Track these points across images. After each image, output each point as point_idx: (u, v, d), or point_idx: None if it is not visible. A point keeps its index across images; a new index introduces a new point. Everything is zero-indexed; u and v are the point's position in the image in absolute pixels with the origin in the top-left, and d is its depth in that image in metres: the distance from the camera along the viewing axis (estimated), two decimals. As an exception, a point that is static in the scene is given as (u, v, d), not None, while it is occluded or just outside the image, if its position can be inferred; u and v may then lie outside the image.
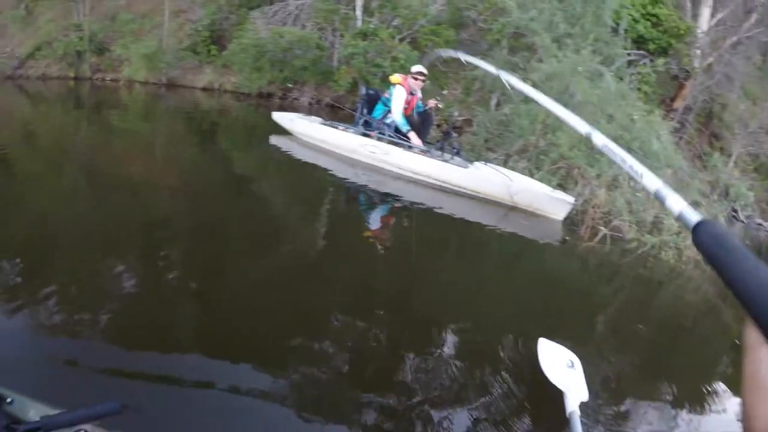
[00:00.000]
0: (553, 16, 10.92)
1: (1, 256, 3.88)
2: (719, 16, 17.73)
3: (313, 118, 8.82)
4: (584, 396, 2.53)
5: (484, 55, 11.95)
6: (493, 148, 9.01)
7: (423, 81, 7.40)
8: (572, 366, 2.74)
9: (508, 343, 3.31)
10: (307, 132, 8.42)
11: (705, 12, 17.98)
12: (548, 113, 8.50)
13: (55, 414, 1.53)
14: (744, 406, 0.49)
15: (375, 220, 6.01)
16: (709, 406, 3.21)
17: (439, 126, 8.22)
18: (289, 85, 13.30)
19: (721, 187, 12.89)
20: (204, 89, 14.54)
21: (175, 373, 2.66)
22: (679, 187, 8.69)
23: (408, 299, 3.84)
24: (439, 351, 3.23)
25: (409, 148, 7.19)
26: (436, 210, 6.22)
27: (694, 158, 15.90)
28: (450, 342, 3.38)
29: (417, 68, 7.40)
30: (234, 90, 13.94)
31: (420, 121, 7.55)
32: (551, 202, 6.40)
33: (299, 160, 7.95)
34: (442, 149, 7.09)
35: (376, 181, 6.96)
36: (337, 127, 8.02)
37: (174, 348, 2.94)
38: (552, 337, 3.03)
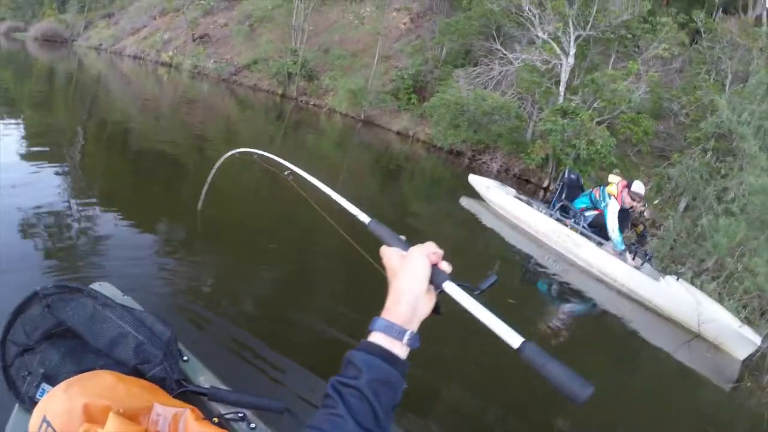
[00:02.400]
0: (764, 121, 10.45)
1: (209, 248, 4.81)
2: None
3: (509, 189, 8.94)
4: None
5: (679, 152, 11.84)
6: (681, 260, 8.63)
7: (638, 204, 7.16)
8: None
9: None
10: (500, 202, 8.52)
11: None
12: (747, 234, 8.31)
13: (223, 389, 1.68)
14: None
15: (544, 306, 6.01)
16: None
17: (633, 226, 7.82)
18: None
19: None
20: (398, 133, 15.85)
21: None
22: None
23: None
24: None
25: (600, 245, 6.96)
26: (611, 313, 6.03)
27: None
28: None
29: (637, 187, 7.11)
30: (426, 141, 14.94)
31: (618, 220, 7.26)
32: (738, 340, 5.76)
33: (485, 225, 8.19)
34: (635, 253, 6.78)
35: (561, 270, 6.87)
36: (531, 205, 8.07)
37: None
38: None
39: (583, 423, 3.58)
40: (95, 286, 1.96)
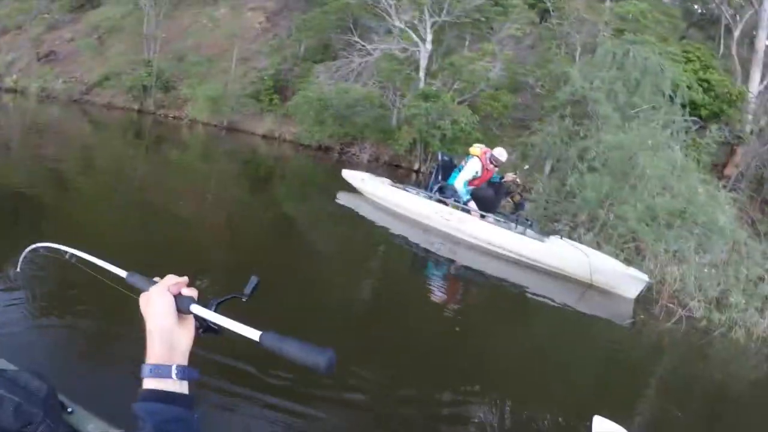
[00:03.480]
0: (612, 85, 11.13)
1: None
2: None
3: (384, 179, 8.84)
4: None
5: (539, 121, 12.22)
6: (556, 218, 9.07)
7: (497, 167, 7.42)
8: None
9: (561, 416, 3.29)
10: (378, 193, 8.40)
11: (755, 75, 17.71)
12: (612, 186, 8.68)
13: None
14: None
15: (441, 286, 5.94)
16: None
17: (509, 195, 7.99)
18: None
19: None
20: (263, 136, 15.16)
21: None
22: (740, 259, 8.56)
23: (461, 363, 3.86)
24: (487, 416, 3.26)
25: (483, 217, 7.09)
26: (506, 282, 6.13)
27: (744, 225, 15.44)
28: (500, 410, 3.38)
29: (498, 152, 7.38)
30: (293, 140, 14.43)
31: (493, 192, 7.49)
32: (627, 280, 6.22)
33: (366, 218, 8.02)
34: (516, 221, 6.98)
35: (448, 249, 6.88)
36: (409, 191, 7.98)
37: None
38: (610, 415, 2.99)
39: (499, 385, 3.64)
40: None
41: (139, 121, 17.40)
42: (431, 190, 7.72)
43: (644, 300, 6.28)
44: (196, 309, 0.83)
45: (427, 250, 6.91)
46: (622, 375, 4.55)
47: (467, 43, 14.70)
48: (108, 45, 21.93)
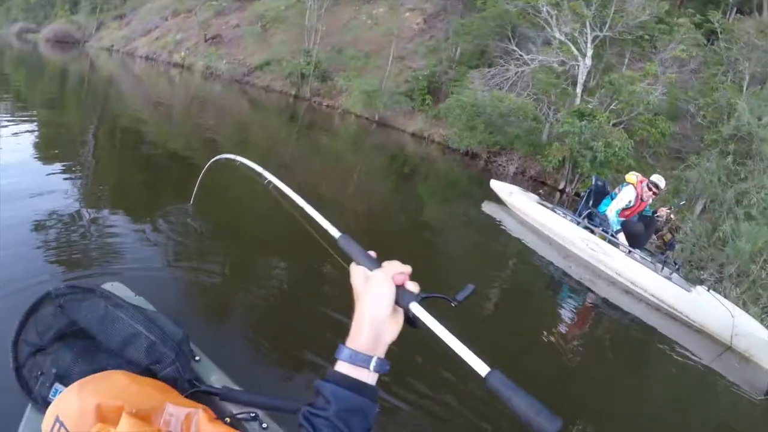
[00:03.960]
0: None
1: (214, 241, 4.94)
2: None
3: (531, 195, 8.82)
4: None
5: (696, 154, 11.79)
6: (701, 265, 8.56)
7: (655, 194, 7.12)
8: None
9: None
10: (524, 208, 8.40)
11: None
12: None
13: (235, 389, 1.69)
14: None
15: (569, 314, 5.83)
16: None
17: (658, 232, 7.63)
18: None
19: None
20: (412, 135, 15.85)
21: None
22: None
23: (571, 393, 3.93)
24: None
25: (630, 252, 6.79)
26: (640, 324, 5.87)
27: None
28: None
29: (657, 179, 7.08)
30: (441, 142, 14.88)
31: (644, 226, 7.19)
32: None
33: (507, 231, 8.03)
34: (664, 262, 6.62)
35: (587, 279, 6.67)
36: (557, 212, 7.88)
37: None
38: None
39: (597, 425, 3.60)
40: (107, 286, 1.98)
41: (294, 105, 18.87)
42: (580, 215, 7.59)
43: None
44: (416, 308, 0.83)
45: (564, 275, 6.74)
46: None
47: (626, 61, 14.41)
48: (270, 33, 23.87)
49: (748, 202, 9.41)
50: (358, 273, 0.88)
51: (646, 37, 14.20)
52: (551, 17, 13.77)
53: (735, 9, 16.13)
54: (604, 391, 4.22)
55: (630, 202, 7.05)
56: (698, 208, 11.54)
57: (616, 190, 7.37)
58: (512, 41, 14.92)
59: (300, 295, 4.33)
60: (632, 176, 7.20)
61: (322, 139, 13.95)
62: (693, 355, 5.54)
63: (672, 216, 7.37)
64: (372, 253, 0.93)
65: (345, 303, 0.90)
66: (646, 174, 7.67)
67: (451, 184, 11.92)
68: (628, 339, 5.56)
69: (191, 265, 4.30)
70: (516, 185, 9.48)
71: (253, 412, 1.60)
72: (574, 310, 5.95)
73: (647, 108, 12.48)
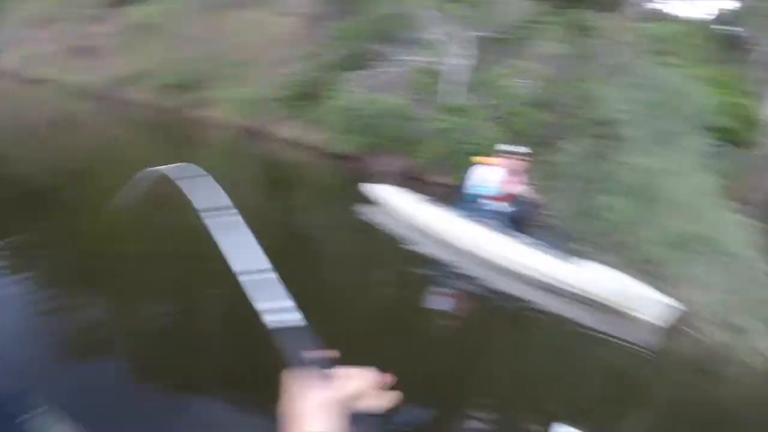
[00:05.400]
0: (642, 107, 11.19)
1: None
2: None
3: (411, 194, 8.57)
4: None
5: (564, 140, 12.17)
6: (577, 238, 8.86)
7: (522, 161, 7.31)
8: None
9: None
10: (404, 209, 8.16)
11: None
12: (637, 209, 8.60)
13: None
14: None
15: (463, 306, 5.96)
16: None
17: (534, 214, 8.14)
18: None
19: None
20: (290, 141, 15.08)
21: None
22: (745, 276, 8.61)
23: (451, 373, 4.01)
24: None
25: (514, 238, 7.01)
26: (532, 304, 6.12)
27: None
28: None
29: (509, 147, 7.43)
30: (320, 147, 14.33)
31: (524, 210, 7.44)
32: (652, 304, 6.33)
33: (390, 234, 7.71)
34: (548, 243, 7.02)
35: (476, 269, 6.73)
36: (439, 208, 7.78)
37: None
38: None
39: (525, 408, 3.72)
40: None
41: (167, 117, 17.61)
42: (462, 208, 7.51)
43: (671, 327, 6.42)
44: None
45: (452, 270, 6.71)
46: (625, 394, 4.74)
47: (502, 58, 14.68)
48: (143, 42, 22.30)
49: (616, 180, 9.84)
50: (302, 390, 0.64)
51: (521, 35, 14.58)
52: (428, 19, 13.74)
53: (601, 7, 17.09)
54: (507, 371, 4.37)
55: (486, 176, 7.24)
56: (569, 188, 11.99)
57: (480, 173, 7.45)
58: (389, 43, 14.74)
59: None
60: (483, 159, 7.52)
61: (198, 150, 13.17)
62: (586, 321, 6.01)
63: (543, 198, 7.88)
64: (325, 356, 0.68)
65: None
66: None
67: (331, 189, 11.58)
68: (526, 320, 5.77)
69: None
70: (395, 185, 9.27)
71: None
72: (466, 301, 6.06)
73: (520, 102, 12.72)
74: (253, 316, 0.82)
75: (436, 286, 6.45)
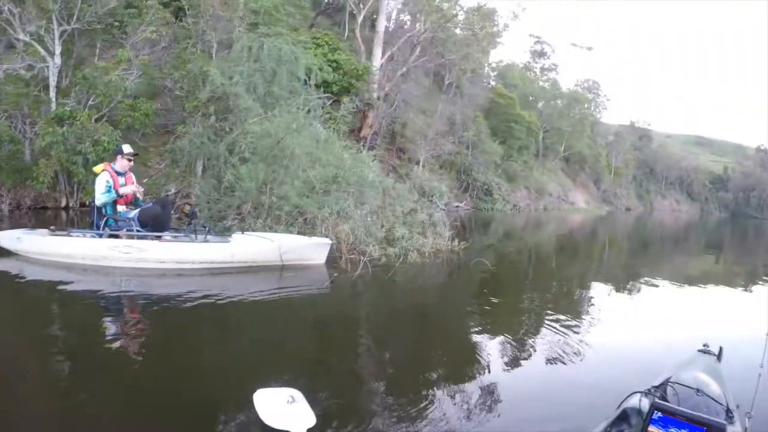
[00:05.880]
0: (251, 78, 11.94)
1: None
2: (390, 53, 21.76)
3: (42, 230, 7.33)
4: (311, 421, 2.71)
5: (182, 124, 12.71)
6: (222, 215, 9.60)
7: (130, 160, 7.08)
8: (293, 401, 2.88)
9: (228, 401, 3.24)
10: (40, 249, 7.08)
11: (377, 52, 21.79)
12: (267, 171, 9.46)
13: None
14: None
15: (134, 324, 5.18)
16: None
17: (177, 208, 8.45)
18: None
19: (418, 188, 15.78)
20: None
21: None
22: (393, 201, 10.91)
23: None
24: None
25: (159, 238, 6.88)
26: (201, 293, 5.85)
27: (389, 172, 19.38)
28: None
29: (128, 148, 7.11)
30: None
31: (160, 207, 7.12)
32: (314, 250, 7.30)
33: (33, 281, 6.33)
34: (195, 231, 7.02)
35: (138, 284, 6.25)
36: (75, 235, 7.07)
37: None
38: (286, 377, 3.31)
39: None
40: None
41: None
42: (98, 227, 6.95)
43: (331, 261, 7.53)
44: None
45: (111, 293, 5.98)
46: (315, 332, 5.12)
47: (98, 51, 14.02)
48: None
49: (239, 150, 10.50)
50: None
51: (116, 23, 14.00)
52: (14, 16, 12.09)
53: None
54: (205, 365, 4.03)
55: (108, 182, 6.82)
56: (199, 169, 12.44)
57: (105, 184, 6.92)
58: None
59: None
60: (99, 167, 7.03)
61: None
62: (260, 287, 6.31)
63: (138, 195, 7.12)
64: None
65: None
66: (142, 156, 7.60)
67: None
68: (199, 311, 5.33)
69: None
70: (12, 222, 8.12)
71: None
72: (139, 318, 5.31)
73: (125, 94, 12.46)
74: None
75: (105, 316, 5.36)
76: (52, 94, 12.25)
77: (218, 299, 5.70)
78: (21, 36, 12.38)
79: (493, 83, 38.29)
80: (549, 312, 6.24)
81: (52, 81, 12.35)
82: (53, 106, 12.04)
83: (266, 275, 6.88)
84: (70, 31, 12.90)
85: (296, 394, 2.96)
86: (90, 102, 12.09)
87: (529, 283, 9.03)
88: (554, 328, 5.40)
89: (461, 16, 24.98)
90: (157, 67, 13.74)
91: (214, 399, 3.32)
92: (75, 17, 12.66)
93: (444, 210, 14.27)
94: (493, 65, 41.53)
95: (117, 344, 4.39)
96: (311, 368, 3.98)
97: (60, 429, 3.03)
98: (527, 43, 57.42)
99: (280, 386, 3.04)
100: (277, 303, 5.81)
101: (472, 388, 3.69)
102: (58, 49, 12.53)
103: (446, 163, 26.00)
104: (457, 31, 25.71)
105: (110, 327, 5.00)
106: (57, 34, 12.52)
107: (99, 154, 10.86)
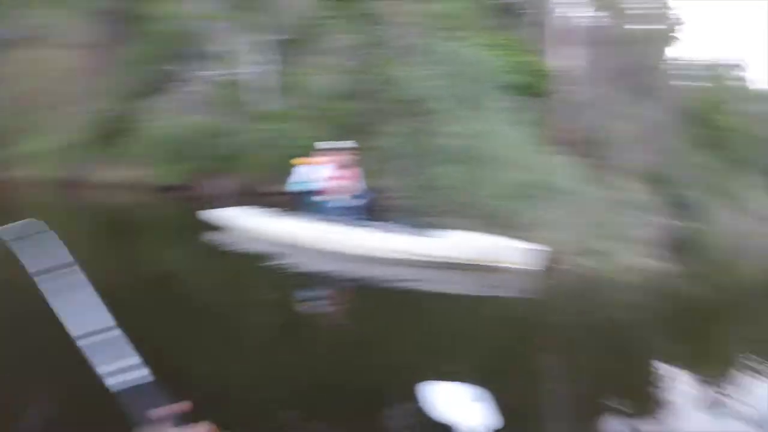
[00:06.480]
0: (445, 81, 12.12)
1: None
2: (581, 52, 20.54)
3: (254, 209, 8.45)
4: (495, 423, 2.71)
5: (383, 124, 12.94)
6: (427, 212, 9.36)
7: (349, 155, 7.52)
8: (478, 399, 2.88)
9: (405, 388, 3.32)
10: (254, 227, 8.04)
11: (557, 52, 20.67)
12: (471, 173, 9.42)
13: None
14: None
15: (348, 302, 5.93)
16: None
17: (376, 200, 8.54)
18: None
19: (622, 199, 14.52)
20: (111, 184, 14.14)
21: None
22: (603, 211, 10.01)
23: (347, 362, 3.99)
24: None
25: (369, 227, 7.17)
26: (402, 284, 6.12)
27: (591, 180, 17.96)
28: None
29: (332, 144, 7.69)
30: (143, 184, 13.61)
31: (369, 198, 7.65)
32: (520, 254, 6.83)
33: (249, 254, 7.46)
34: (399, 225, 7.21)
35: (342, 268, 6.76)
36: (286, 217, 7.78)
37: None
38: (471, 375, 3.23)
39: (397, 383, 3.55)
40: None
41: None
42: (307, 211, 7.60)
43: (538, 268, 6.92)
44: None
45: (318, 272, 6.71)
46: (518, 341, 4.93)
47: (302, 56, 15.08)
48: None
49: (444, 151, 10.62)
50: None
51: (316, 33, 15.03)
52: (226, 31, 13.66)
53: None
54: (400, 352, 4.28)
55: (314, 173, 7.52)
56: (398, 167, 12.77)
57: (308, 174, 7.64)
58: (188, 62, 14.42)
59: None
60: (306, 158, 7.86)
61: (11, 217, 11.59)
62: (465, 287, 6.19)
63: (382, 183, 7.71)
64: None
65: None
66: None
67: (169, 225, 10.65)
68: (406, 300, 5.68)
69: None
70: (230, 204, 9.02)
71: None
72: (353, 297, 5.99)
73: (328, 97, 13.20)
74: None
75: (309, 291, 6.28)
76: (264, 95, 13.45)
77: (416, 290, 5.90)
78: (234, 46, 13.86)
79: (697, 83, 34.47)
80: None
81: (263, 83, 13.62)
82: (265, 105, 13.25)
83: (467, 274, 6.78)
84: (277, 41, 14.10)
85: (482, 392, 2.93)
86: (296, 102, 13.01)
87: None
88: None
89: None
90: (354, 71, 14.43)
91: (392, 383, 3.48)
92: (279, 28, 13.93)
93: (648, 226, 13.03)
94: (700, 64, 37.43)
95: (311, 316, 5.00)
96: (500, 369, 3.98)
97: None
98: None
99: (464, 383, 3.03)
100: (473, 302, 5.79)
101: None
102: (266, 57, 13.80)
103: (649, 174, 23.72)
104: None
105: (309, 301, 5.66)
106: (265, 44, 13.80)
107: (306, 149, 11.72)
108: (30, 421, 3.07)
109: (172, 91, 14.22)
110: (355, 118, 13.67)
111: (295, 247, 7.45)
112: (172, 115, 13.32)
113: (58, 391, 3.35)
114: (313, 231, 7.42)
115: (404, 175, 12.22)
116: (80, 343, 0.94)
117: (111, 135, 14.48)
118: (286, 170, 12.20)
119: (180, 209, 12.03)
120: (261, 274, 6.73)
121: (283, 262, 7.01)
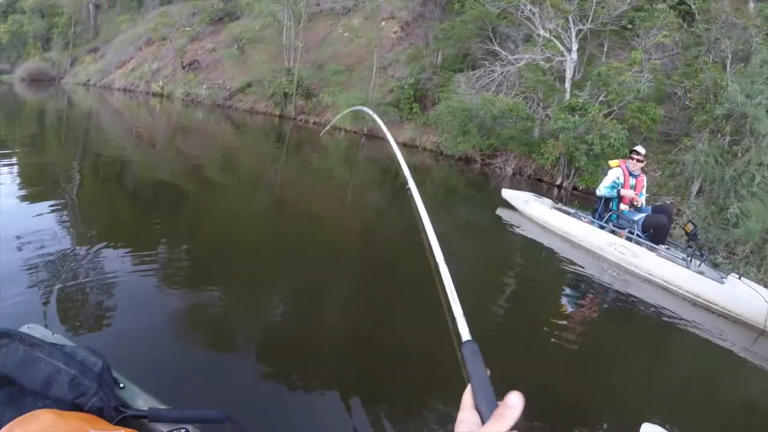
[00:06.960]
0: None
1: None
2: None
3: (546, 200, 8.66)
4: None
5: (687, 136, 11.85)
6: (710, 246, 8.55)
7: (640, 161, 7.10)
8: None
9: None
10: (542, 216, 8.24)
11: None
12: None
13: (162, 408, 1.67)
14: None
15: (613, 321, 5.71)
16: None
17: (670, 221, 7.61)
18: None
19: None
20: (403, 144, 15.61)
21: (281, 396, 3.12)
22: None
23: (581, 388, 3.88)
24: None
25: (657, 252, 6.76)
26: (677, 319, 5.80)
27: None
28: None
29: (641, 149, 7.19)
30: (433, 149, 14.61)
31: (665, 217, 7.02)
32: None
33: (527, 238, 7.82)
34: (692, 256, 6.57)
35: (622, 281, 6.55)
36: (579, 218, 7.72)
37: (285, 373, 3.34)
38: None
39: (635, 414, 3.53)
40: (24, 328, 1.96)
41: (281, 125, 18.62)
42: (600, 218, 7.44)
43: None
44: None
45: (598, 278, 6.63)
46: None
47: (605, 50, 14.37)
48: (248, 54, 23.62)
49: (748, 181, 9.33)
50: (471, 415, 0.64)
51: (629, 26, 14.19)
52: (534, 15, 13.70)
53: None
54: (650, 385, 4.16)
55: (618, 179, 7.14)
56: (695, 188, 11.47)
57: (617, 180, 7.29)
58: (494, 42, 14.81)
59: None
60: (615, 162, 7.40)
61: (313, 156, 13.73)
62: (728, 341, 5.53)
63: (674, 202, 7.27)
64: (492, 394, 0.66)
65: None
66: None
67: (450, 191, 11.61)
68: (666, 334, 5.47)
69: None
70: (513, 186, 9.28)
71: (182, 428, 1.62)
72: (611, 312, 5.84)
73: (637, 96, 12.43)
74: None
75: (573, 291, 6.31)
76: (567, 85, 13.21)
77: (679, 327, 5.56)
78: (541, 31, 13.71)
79: None
80: None
81: (568, 74, 13.30)
82: (566, 95, 12.99)
83: (741, 332, 5.82)
84: (584, 30, 13.62)
85: None
86: (601, 98, 12.49)
87: None
88: None
89: None
90: (666, 73, 13.30)
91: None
92: (589, 18, 13.33)
93: None
94: None
95: (565, 321, 4.92)
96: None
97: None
98: None
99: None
100: (737, 364, 5.11)
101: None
102: (574, 46, 13.40)
103: None
104: None
105: (567, 307, 5.57)
106: (573, 32, 13.38)
107: (603, 148, 11.27)
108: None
109: (478, 69, 14.70)
110: (658, 124, 12.67)
111: (581, 248, 7.41)
112: (473, 91, 13.79)
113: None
114: (601, 239, 7.22)
115: (703, 200, 10.93)
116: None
117: (410, 100, 15.70)
118: (575, 164, 12.04)
119: (462, 178, 12.86)
120: (539, 257, 7.11)
121: (559, 257, 7.13)
